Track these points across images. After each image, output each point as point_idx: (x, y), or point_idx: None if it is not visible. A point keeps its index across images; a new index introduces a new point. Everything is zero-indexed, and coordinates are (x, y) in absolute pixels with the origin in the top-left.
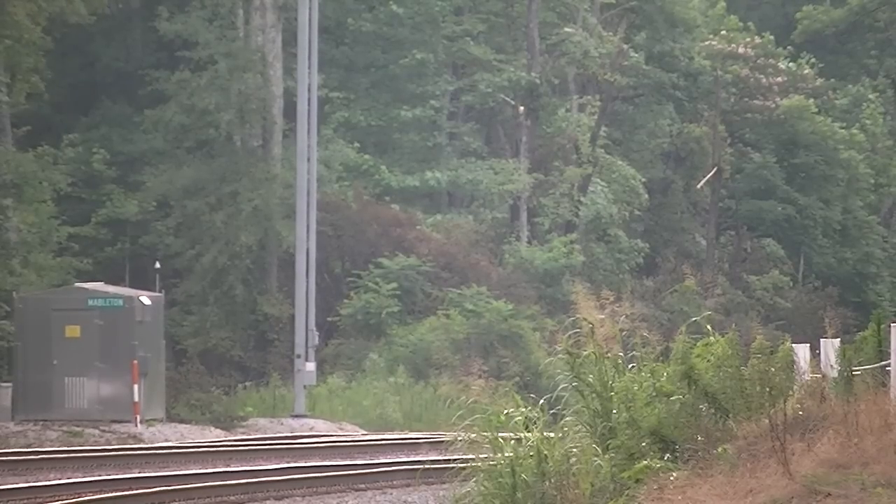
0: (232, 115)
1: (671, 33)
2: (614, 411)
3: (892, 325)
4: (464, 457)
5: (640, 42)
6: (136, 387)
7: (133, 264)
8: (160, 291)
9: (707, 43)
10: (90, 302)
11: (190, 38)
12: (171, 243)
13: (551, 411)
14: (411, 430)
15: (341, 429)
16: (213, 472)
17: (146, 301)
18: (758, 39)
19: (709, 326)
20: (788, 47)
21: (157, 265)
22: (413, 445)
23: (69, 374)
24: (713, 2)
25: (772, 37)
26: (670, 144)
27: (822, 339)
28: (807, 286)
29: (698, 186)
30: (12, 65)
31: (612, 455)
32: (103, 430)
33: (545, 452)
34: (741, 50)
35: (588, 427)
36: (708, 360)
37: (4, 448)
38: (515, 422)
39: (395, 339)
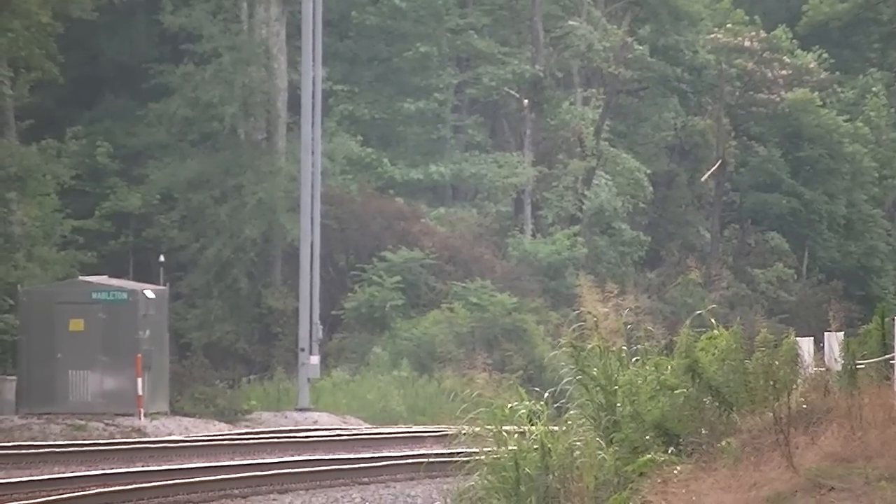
0: (236, 109)
1: (676, 26)
2: (618, 405)
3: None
4: (468, 450)
5: (644, 35)
6: (139, 380)
7: (137, 257)
8: (164, 285)
9: (712, 36)
10: (94, 295)
11: (194, 31)
12: (175, 236)
13: (555, 405)
14: (415, 424)
15: (345, 422)
16: (217, 466)
17: (150, 294)
18: (763, 34)
19: (713, 320)
20: (793, 40)
21: (161, 258)
22: (417, 439)
23: (73, 368)
24: None
25: (786, 28)
26: (674, 137)
27: (826, 333)
28: (811, 279)
29: (702, 179)
30: (18, 57)
31: (616, 448)
32: (107, 424)
33: (549, 446)
34: (747, 43)
35: (592, 420)
36: (712, 354)
37: (9, 441)
38: (519, 415)
39: (399, 333)
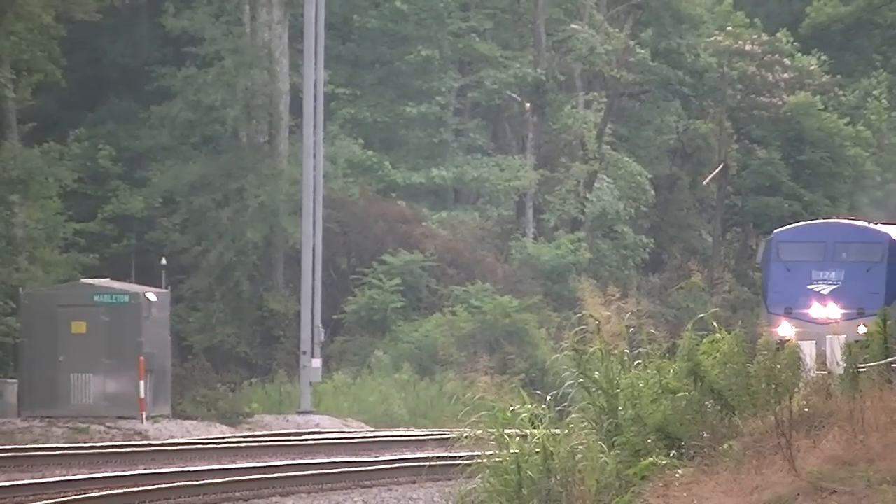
0: (238, 111)
1: (677, 30)
2: (620, 408)
3: None
4: (469, 453)
5: (646, 38)
6: (141, 383)
7: (139, 260)
8: (166, 287)
9: (713, 39)
10: (96, 298)
11: (196, 34)
12: (178, 239)
13: (557, 408)
14: (417, 427)
15: (347, 425)
16: (219, 469)
17: (152, 297)
18: (765, 37)
19: (715, 323)
20: (795, 43)
21: (164, 261)
22: (418, 442)
23: (75, 371)
24: None
25: (787, 32)
26: (676, 141)
27: (827, 336)
28: None
29: (704, 183)
30: (21, 59)
31: (618, 452)
32: (109, 427)
33: (551, 449)
34: (748, 47)
35: (594, 424)
36: (714, 357)
37: (11, 444)
38: (521, 418)
39: (401, 336)
